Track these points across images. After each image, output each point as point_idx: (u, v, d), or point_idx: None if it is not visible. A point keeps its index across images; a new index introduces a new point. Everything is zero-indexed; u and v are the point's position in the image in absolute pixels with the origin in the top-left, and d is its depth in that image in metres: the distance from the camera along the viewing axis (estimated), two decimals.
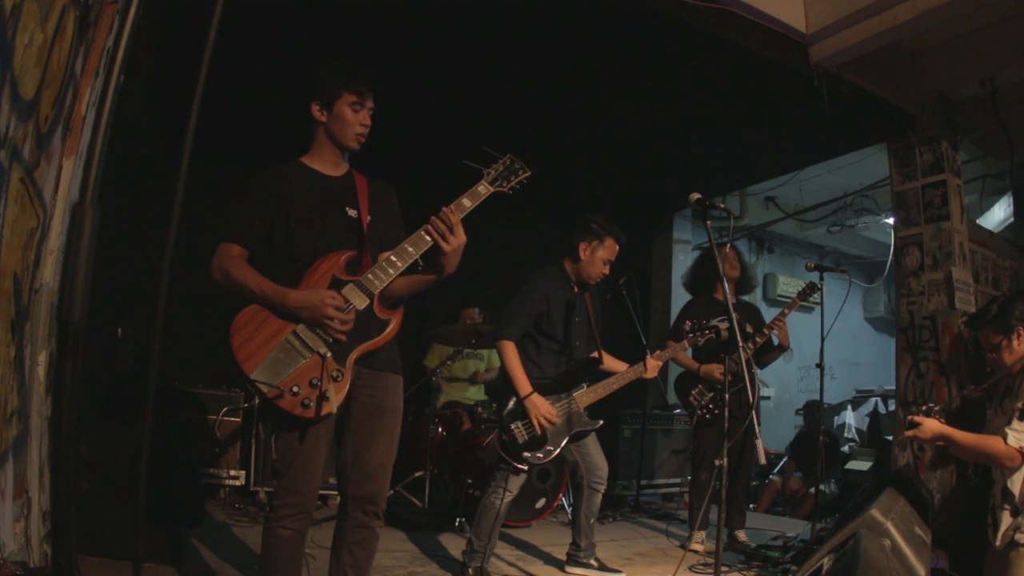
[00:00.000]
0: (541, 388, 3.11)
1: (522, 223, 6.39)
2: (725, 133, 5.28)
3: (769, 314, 4.47)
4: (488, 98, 4.74)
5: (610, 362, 3.35)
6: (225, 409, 4.41)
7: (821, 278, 3.94)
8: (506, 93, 4.69)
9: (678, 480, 5.93)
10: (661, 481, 5.85)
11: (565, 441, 3.16)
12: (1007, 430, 2.30)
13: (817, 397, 4.49)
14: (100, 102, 2.15)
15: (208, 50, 1.73)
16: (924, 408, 2.51)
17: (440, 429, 4.76)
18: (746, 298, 4.77)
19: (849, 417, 8.09)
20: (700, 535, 4.05)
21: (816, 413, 6.37)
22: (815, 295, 4.08)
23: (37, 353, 2.09)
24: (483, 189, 2.09)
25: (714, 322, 3.36)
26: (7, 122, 1.59)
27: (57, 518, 2.15)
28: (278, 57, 4.06)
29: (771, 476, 6.92)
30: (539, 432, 3.07)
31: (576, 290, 3.34)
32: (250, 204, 2.11)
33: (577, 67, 4.36)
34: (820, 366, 3.93)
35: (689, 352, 4.09)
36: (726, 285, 2.70)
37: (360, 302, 2.01)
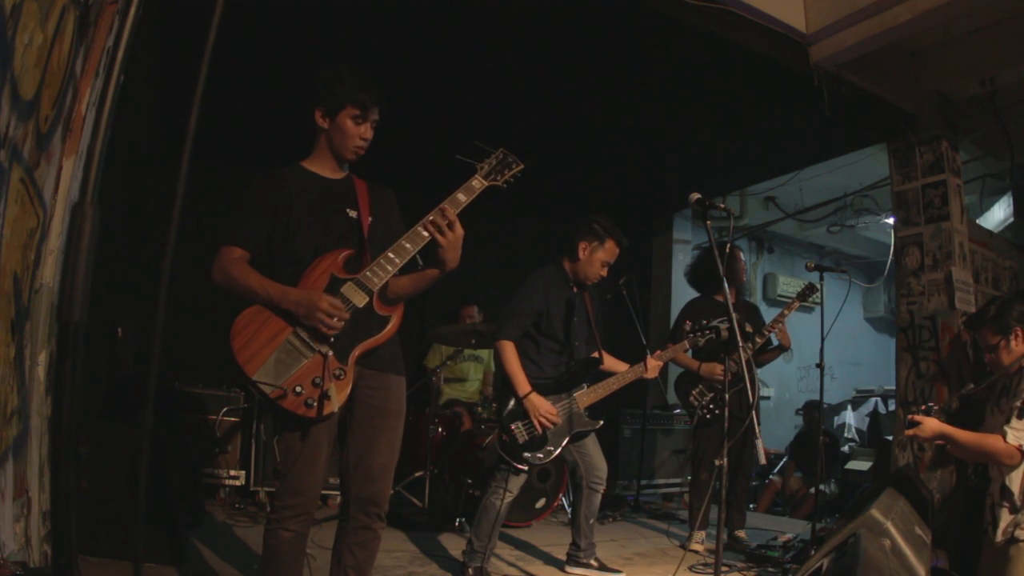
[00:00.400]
0: (541, 388, 3.11)
1: (521, 223, 6.40)
2: (725, 133, 5.28)
3: (769, 315, 4.48)
4: (488, 98, 4.74)
5: (610, 362, 3.34)
6: (225, 409, 4.41)
7: (821, 278, 3.93)
8: (506, 93, 4.69)
9: (678, 480, 5.93)
10: (661, 481, 5.85)
11: (565, 441, 3.16)
12: (1006, 428, 2.33)
13: (817, 397, 4.49)
14: (100, 102, 2.16)
15: (208, 50, 1.73)
16: (923, 408, 2.52)
17: (440, 429, 4.76)
18: (747, 298, 4.78)
19: (849, 417, 8.10)
20: (700, 535, 4.05)
21: (816, 413, 6.37)
22: (815, 295, 4.09)
23: (37, 353, 2.09)
24: (477, 183, 2.10)
25: (714, 322, 3.36)
26: (7, 122, 1.59)
27: (57, 518, 2.15)
28: (278, 57, 4.07)
29: (771, 476, 6.92)
30: (539, 432, 3.07)
31: (575, 290, 3.33)
32: (250, 207, 2.11)
33: (577, 67, 4.36)
34: (820, 366, 3.93)
35: (689, 353, 4.09)
36: (726, 286, 2.69)
37: (359, 300, 2.02)
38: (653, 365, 3.30)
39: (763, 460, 2.48)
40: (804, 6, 4.17)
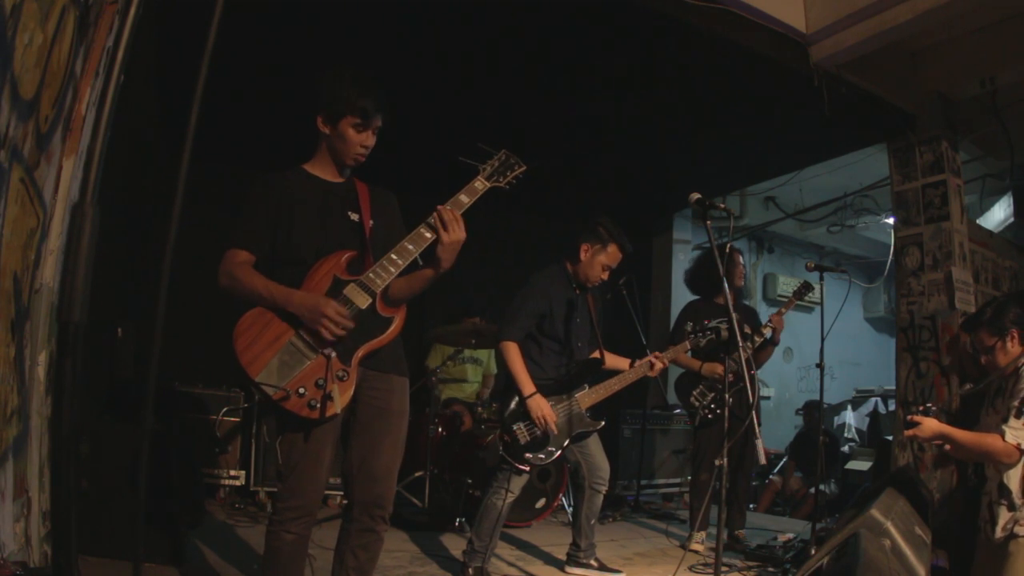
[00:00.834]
0: (543, 388, 3.11)
1: (522, 223, 6.40)
2: (725, 133, 5.28)
3: (768, 315, 4.48)
4: (489, 100, 4.75)
5: (612, 360, 3.34)
6: (225, 409, 4.41)
7: (821, 278, 3.94)
8: (506, 94, 4.69)
9: (678, 480, 5.93)
10: (661, 481, 5.86)
11: (567, 442, 3.15)
12: (1004, 428, 2.35)
13: (817, 397, 4.48)
14: (100, 102, 2.15)
15: (208, 50, 1.73)
16: (921, 408, 2.54)
17: (440, 429, 4.76)
18: (746, 301, 4.79)
19: (849, 417, 8.10)
20: (700, 535, 4.06)
21: (816, 413, 6.37)
22: (811, 294, 4.08)
23: (37, 353, 2.09)
24: (480, 185, 2.10)
25: (714, 323, 3.35)
26: (7, 122, 1.59)
27: (57, 518, 2.15)
28: (279, 56, 4.07)
29: (771, 476, 6.92)
30: (541, 433, 3.07)
31: (577, 291, 3.32)
32: (253, 210, 2.11)
33: (577, 67, 4.36)
34: (820, 366, 3.93)
35: (689, 354, 4.09)
36: (727, 288, 2.68)
37: (362, 301, 2.01)
38: (658, 366, 3.29)
39: (763, 460, 2.48)
40: (804, 6, 4.17)
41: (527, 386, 3.05)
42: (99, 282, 2.13)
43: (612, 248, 3.27)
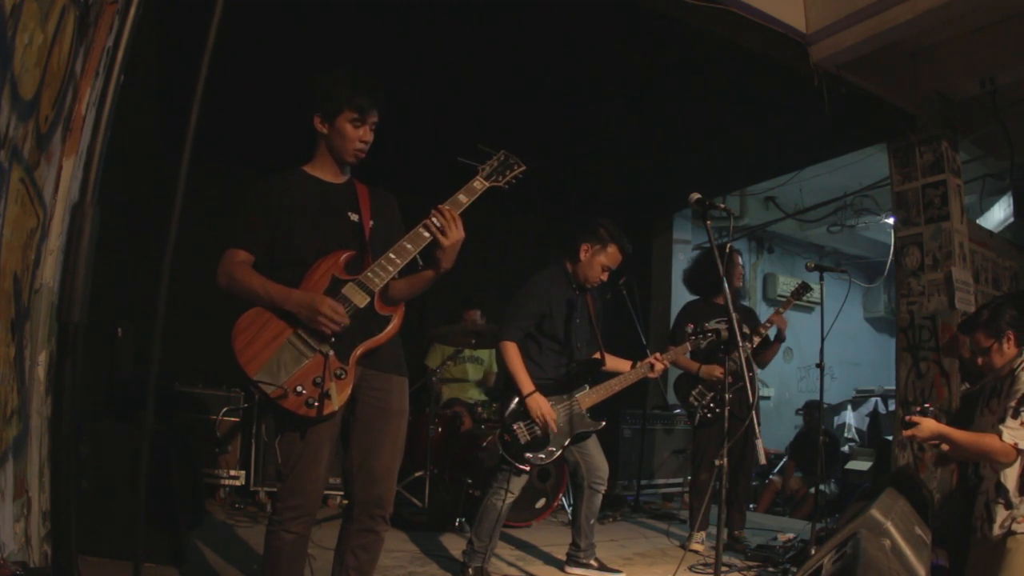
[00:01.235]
0: (543, 388, 3.11)
1: (522, 223, 6.40)
2: (725, 133, 5.28)
3: (768, 315, 4.48)
4: (488, 100, 4.74)
5: (613, 362, 3.33)
6: (225, 409, 4.41)
7: (821, 278, 3.93)
8: (505, 93, 4.69)
9: (678, 480, 5.93)
10: (661, 481, 5.85)
11: (567, 442, 3.15)
12: (1001, 427, 2.38)
13: (817, 397, 4.49)
14: (100, 102, 2.16)
15: (208, 50, 1.73)
16: (919, 408, 2.56)
17: (440, 429, 4.76)
18: (745, 301, 4.79)
19: (849, 417, 8.10)
20: (700, 535, 4.05)
21: (816, 413, 6.37)
22: (811, 294, 4.08)
23: (37, 353, 2.09)
24: (479, 185, 2.10)
25: (714, 324, 3.35)
26: (7, 122, 1.59)
27: (57, 518, 2.15)
28: (279, 56, 4.07)
29: (771, 476, 6.92)
30: (542, 432, 3.07)
31: (577, 291, 3.32)
32: (253, 211, 2.12)
33: (576, 67, 4.36)
34: (820, 366, 3.93)
35: (688, 355, 4.09)
36: (727, 288, 2.68)
37: (360, 300, 2.02)
38: (659, 368, 3.29)
39: (763, 460, 2.49)
40: (804, 6, 4.17)
41: (526, 385, 3.05)
42: (99, 282, 2.13)
43: (612, 249, 3.27)
